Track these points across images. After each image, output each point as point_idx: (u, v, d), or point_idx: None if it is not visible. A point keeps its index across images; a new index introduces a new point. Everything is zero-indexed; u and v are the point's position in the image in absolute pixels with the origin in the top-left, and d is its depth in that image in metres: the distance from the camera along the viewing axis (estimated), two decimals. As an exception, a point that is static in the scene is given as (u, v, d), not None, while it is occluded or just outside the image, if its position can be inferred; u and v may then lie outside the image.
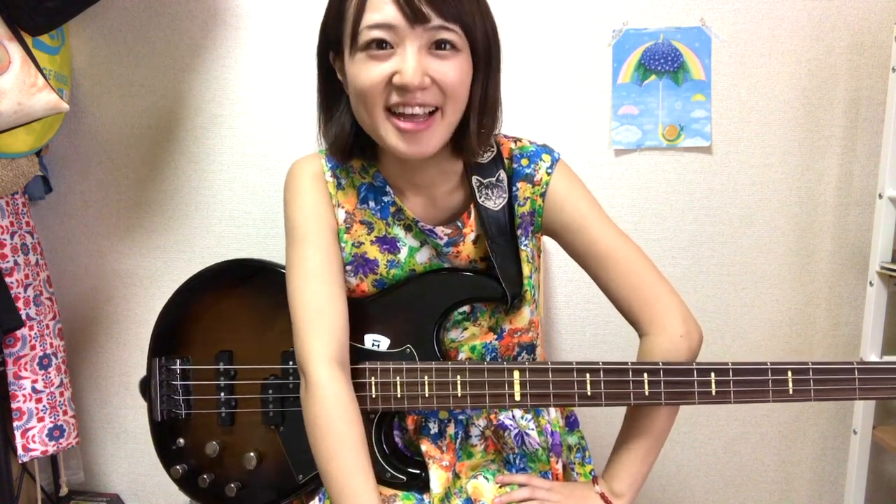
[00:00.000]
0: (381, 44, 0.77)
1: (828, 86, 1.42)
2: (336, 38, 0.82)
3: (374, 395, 0.89)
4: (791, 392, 0.84)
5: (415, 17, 0.75)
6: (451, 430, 0.95)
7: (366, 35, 0.77)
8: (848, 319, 1.50)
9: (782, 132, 1.44)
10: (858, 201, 1.45)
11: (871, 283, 1.35)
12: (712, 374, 0.84)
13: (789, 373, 0.84)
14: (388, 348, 0.93)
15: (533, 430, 0.96)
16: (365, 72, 0.78)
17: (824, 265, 1.48)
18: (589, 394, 0.85)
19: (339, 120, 0.88)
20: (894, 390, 0.84)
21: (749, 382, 0.84)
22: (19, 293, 1.35)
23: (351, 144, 0.89)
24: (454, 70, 0.79)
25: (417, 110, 0.79)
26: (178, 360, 1.01)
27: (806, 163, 1.45)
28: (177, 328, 1.04)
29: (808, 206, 1.46)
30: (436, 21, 0.75)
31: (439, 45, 0.78)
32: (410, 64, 0.76)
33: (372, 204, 0.94)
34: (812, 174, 1.45)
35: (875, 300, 1.34)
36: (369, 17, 0.76)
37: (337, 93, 0.88)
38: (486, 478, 0.91)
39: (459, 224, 0.92)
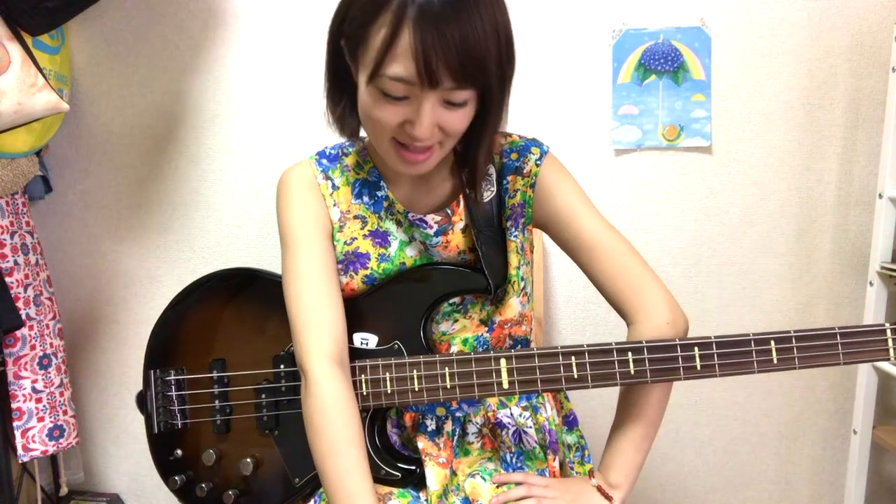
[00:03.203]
0: (397, 95, 0.77)
1: (828, 86, 1.42)
2: (354, 44, 0.80)
3: (364, 393, 0.90)
4: (776, 361, 0.84)
5: (430, 82, 0.74)
6: (448, 426, 0.96)
7: (386, 83, 0.76)
8: (848, 319, 1.50)
9: (782, 132, 1.44)
10: (858, 201, 1.45)
11: (871, 283, 1.35)
12: (696, 349, 0.85)
13: (772, 342, 0.85)
14: (376, 346, 0.94)
15: (531, 427, 0.97)
16: (379, 109, 0.79)
17: (824, 265, 1.48)
18: (575, 376, 0.86)
19: (346, 105, 0.89)
20: (878, 352, 0.85)
21: (733, 354, 0.85)
22: (19, 293, 1.36)
23: (359, 126, 0.90)
24: (462, 120, 0.81)
25: (419, 146, 0.81)
26: (172, 371, 1.01)
27: (806, 163, 1.45)
28: (171, 340, 1.04)
29: (808, 206, 1.46)
30: (450, 84, 0.75)
31: (452, 102, 0.78)
32: (425, 121, 0.77)
33: (366, 199, 0.96)
34: (812, 174, 1.45)
35: (875, 300, 1.34)
36: (391, 69, 0.75)
37: (343, 73, 0.87)
38: (484, 477, 0.92)
39: (449, 212, 0.94)
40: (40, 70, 1.19)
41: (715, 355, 0.85)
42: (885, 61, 1.37)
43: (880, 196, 1.32)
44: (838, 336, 0.85)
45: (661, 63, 1.42)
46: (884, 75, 1.38)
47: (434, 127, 0.79)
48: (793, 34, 1.40)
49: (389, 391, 0.89)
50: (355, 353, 0.92)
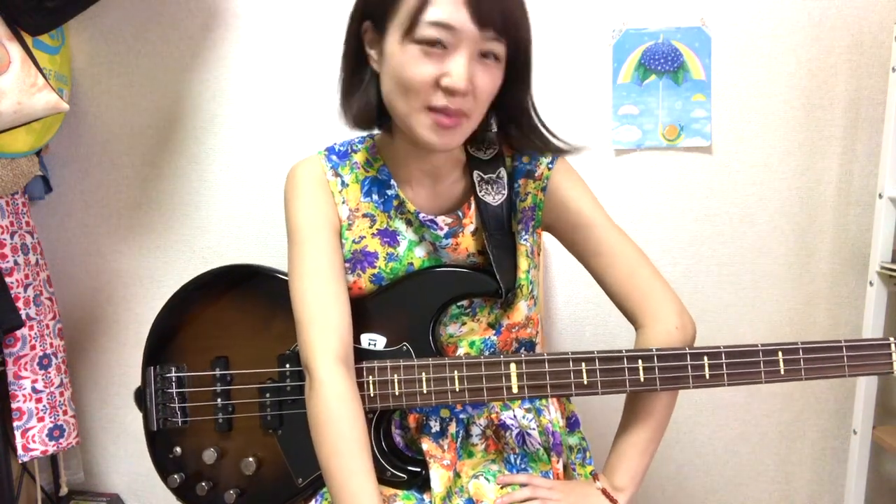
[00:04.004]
0: (435, 42, 0.77)
1: (828, 86, 1.42)
2: (381, 14, 0.81)
3: (372, 394, 0.89)
4: (783, 372, 0.86)
5: (481, 20, 0.76)
6: (452, 428, 0.95)
7: (425, 30, 0.77)
8: (848, 319, 1.50)
9: (782, 132, 1.44)
10: (858, 201, 1.45)
11: (871, 283, 1.35)
12: (705, 358, 0.86)
13: (780, 353, 0.86)
14: (384, 347, 0.93)
15: (534, 429, 0.97)
16: (416, 66, 0.79)
17: (824, 265, 1.48)
18: (585, 383, 0.87)
19: (365, 93, 0.88)
20: (882, 365, 0.87)
21: (741, 364, 0.86)
22: (19, 293, 1.35)
23: (377, 116, 0.90)
24: (492, 81, 0.82)
25: (453, 107, 0.81)
26: (173, 368, 1.01)
27: (806, 163, 1.45)
28: (171, 336, 1.03)
29: (808, 206, 1.46)
30: (493, 31, 0.77)
31: (486, 54, 0.80)
32: (461, 70, 0.78)
33: (375, 197, 0.95)
34: (812, 174, 1.45)
35: (875, 300, 1.34)
36: (433, 13, 0.76)
37: (362, 64, 0.87)
38: (488, 479, 0.92)
39: (460, 214, 0.93)
40: (40, 70, 1.18)
41: (724, 364, 0.86)
42: (885, 61, 1.37)
43: (880, 196, 1.32)
44: (844, 349, 0.86)
45: (661, 63, 1.42)
46: (884, 75, 1.38)
47: (469, 80, 0.79)
48: (793, 34, 1.40)
49: (397, 393, 0.89)
50: (363, 354, 0.92)
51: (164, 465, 1.02)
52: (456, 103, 0.80)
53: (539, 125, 0.91)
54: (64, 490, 1.58)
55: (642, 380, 0.86)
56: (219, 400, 0.99)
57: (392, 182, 0.94)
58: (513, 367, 0.88)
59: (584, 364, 0.87)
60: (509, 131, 0.90)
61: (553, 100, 1.45)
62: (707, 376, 0.86)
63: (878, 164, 1.35)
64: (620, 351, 0.86)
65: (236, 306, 1.03)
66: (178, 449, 1.01)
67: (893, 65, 1.28)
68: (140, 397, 1.03)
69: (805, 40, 1.40)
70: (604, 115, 1.45)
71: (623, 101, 1.44)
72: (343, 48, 0.89)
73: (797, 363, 0.86)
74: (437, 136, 0.83)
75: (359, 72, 0.89)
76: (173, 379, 1.01)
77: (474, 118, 0.84)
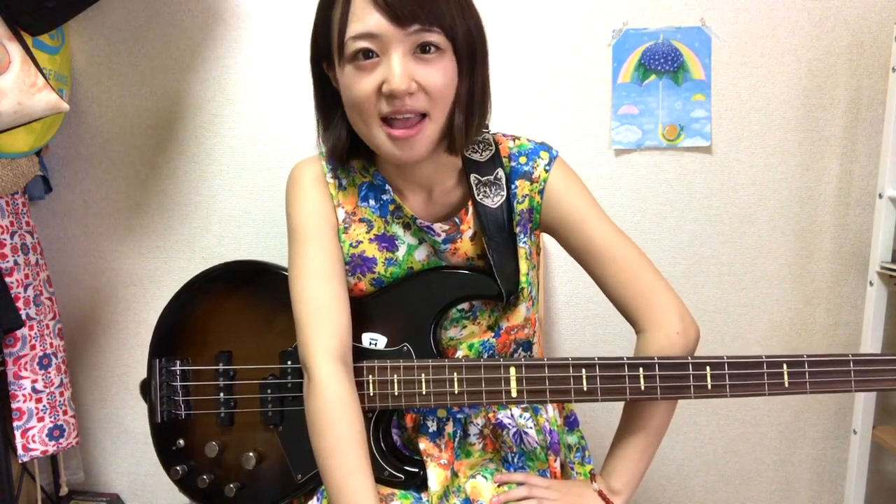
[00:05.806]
0: (367, 53, 0.78)
1: (828, 86, 1.42)
2: (326, 49, 0.84)
3: (371, 394, 0.90)
4: (787, 385, 0.84)
5: (398, 18, 0.76)
6: (449, 428, 0.95)
7: (351, 46, 0.78)
8: (848, 319, 1.50)
9: (782, 132, 1.44)
10: (858, 201, 1.45)
11: (871, 283, 1.35)
12: (707, 368, 0.85)
13: (785, 366, 0.84)
14: (385, 347, 0.93)
15: (531, 428, 0.97)
16: (355, 84, 0.80)
17: (824, 265, 1.48)
18: (585, 389, 0.86)
19: (336, 128, 0.89)
20: (890, 381, 0.84)
21: (745, 376, 0.85)
22: (19, 293, 1.35)
23: (348, 150, 0.90)
24: (439, 74, 0.80)
25: (408, 115, 0.80)
26: (178, 361, 1.02)
27: (806, 163, 1.45)
28: (177, 330, 1.04)
29: (808, 206, 1.46)
30: (416, 25, 0.77)
31: (423, 48, 0.79)
32: (397, 70, 0.77)
33: (372, 202, 0.95)
34: (812, 174, 1.45)
35: (875, 300, 1.34)
36: (353, 28, 0.77)
37: (333, 100, 0.88)
38: (485, 477, 0.92)
39: (457, 221, 0.92)
40: (40, 70, 1.18)
41: (726, 376, 0.84)
42: (885, 61, 1.37)
43: (880, 196, 1.32)
44: (851, 363, 0.84)
45: (661, 63, 1.42)
46: (884, 75, 1.38)
47: (409, 78, 0.78)
48: (793, 34, 1.40)
49: (396, 393, 0.89)
50: (363, 353, 0.92)
51: (167, 456, 1.03)
52: (406, 105, 0.79)
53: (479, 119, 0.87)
54: (64, 490, 1.58)
55: (643, 388, 0.85)
56: (221, 394, 1.00)
57: (387, 187, 0.93)
58: (512, 371, 0.87)
59: (584, 370, 0.86)
60: (453, 121, 0.84)
61: (553, 100, 1.45)
62: (709, 387, 0.84)
63: (878, 164, 1.35)
64: (622, 358, 0.85)
65: (243, 301, 1.03)
66: (181, 441, 1.02)
67: (893, 65, 1.28)
68: (145, 389, 1.04)
69: (805, 40, 1.40)
70: (604, 115, 1.45)
71: (623, 101, 1.44)
72: (313, 91, 0.90)
73: (802, 376, 0.84)
74: (397, 150, 0.82)
75: (327, 110, 0.90)
76: (178, 372, 1.01)
77: (436, 117, 0.82)
